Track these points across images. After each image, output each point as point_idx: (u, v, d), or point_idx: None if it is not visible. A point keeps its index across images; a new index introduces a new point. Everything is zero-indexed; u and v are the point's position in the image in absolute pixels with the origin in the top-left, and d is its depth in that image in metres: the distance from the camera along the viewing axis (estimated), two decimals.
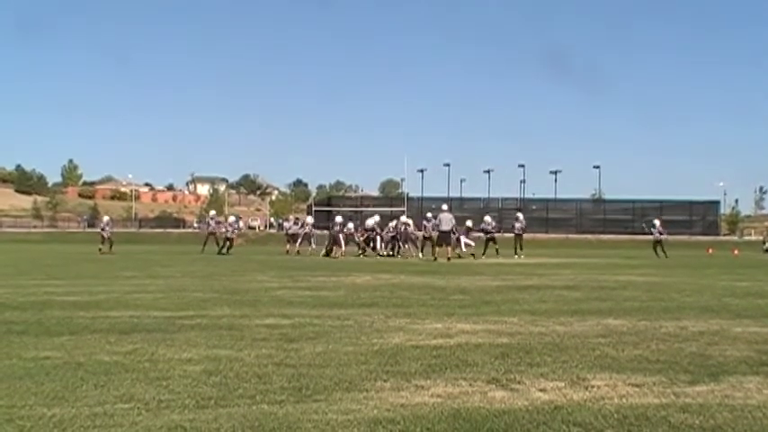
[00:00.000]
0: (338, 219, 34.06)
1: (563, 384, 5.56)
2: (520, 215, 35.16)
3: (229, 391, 5.26)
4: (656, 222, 36.58)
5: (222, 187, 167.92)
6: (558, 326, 8.83)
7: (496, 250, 32.11)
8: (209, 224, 37.33)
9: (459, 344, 7.38)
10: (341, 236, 32.68)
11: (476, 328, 8.55)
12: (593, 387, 5.48)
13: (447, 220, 29.49)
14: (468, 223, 35.34)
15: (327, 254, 31.88)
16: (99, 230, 38.62)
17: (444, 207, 31.58)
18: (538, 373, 5.93)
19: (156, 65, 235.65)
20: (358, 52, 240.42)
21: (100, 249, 34.95)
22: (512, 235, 34.58)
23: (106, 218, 39.93)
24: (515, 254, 32.03)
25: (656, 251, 34.42)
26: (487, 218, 34.17)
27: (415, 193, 79.23)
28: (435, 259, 28.12)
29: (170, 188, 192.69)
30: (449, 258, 28.09)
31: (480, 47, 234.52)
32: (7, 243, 55.14)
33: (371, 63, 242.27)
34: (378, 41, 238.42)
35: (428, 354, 6.77)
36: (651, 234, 36.11)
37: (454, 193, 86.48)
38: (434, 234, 30.65)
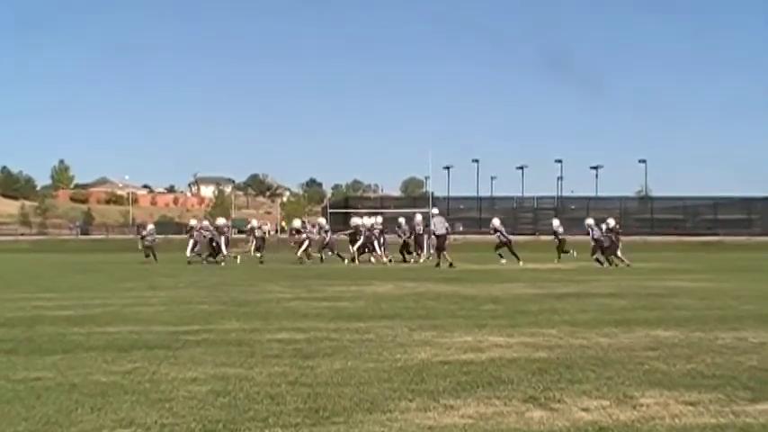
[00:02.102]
0: (418, 218, 34.45)
1: (608, 403, 5.55)
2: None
3: (239, 414, 5.28)
4: (611, 222, 36.27)
5: (228, 188, 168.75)
6: (602, 338, 8.81)
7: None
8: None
9: (492, 359, 7.38)
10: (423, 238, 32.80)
11: (510, 341, 8.54)
12: (641, 406, 5.47)
13: (441, 224, 30.18)
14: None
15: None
16: (139, 238, 38.21)
17: (435, 210, 32.56)
18: (580, 391, 5.92)
19: (153, 58, 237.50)
20: (372, 45, 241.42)
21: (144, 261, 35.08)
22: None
23: (150, 226, 39.90)
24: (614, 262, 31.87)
25: (613, 256, 34.61)
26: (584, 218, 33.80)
27: (440, 193, 79.07)
28: (438, 265, 28.43)
29: (171, 190, 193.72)
30: (451, 264, 28.24)
31: (504, 41, 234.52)
32: None
33: (390, 56, 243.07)
34: (395, 35, 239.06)
35: (457, 370, 6.78)
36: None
37: (484, 192, 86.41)
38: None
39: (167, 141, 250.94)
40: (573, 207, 74.02)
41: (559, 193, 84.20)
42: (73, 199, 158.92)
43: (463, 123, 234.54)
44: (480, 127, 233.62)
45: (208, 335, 9.18)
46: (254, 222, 38.84)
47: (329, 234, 34.00)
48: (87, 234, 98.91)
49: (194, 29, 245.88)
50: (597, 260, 30.52)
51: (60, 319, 10.98)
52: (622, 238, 32.51)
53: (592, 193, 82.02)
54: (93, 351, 8.00)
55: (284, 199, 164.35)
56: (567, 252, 34.18)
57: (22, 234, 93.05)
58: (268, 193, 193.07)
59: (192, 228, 35.62)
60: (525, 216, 74.83)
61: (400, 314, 11.49)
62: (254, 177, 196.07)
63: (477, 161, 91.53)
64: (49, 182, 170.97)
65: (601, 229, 31.48)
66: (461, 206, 75.78)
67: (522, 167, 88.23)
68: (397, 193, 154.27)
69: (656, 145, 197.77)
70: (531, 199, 79.83)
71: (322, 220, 36.25)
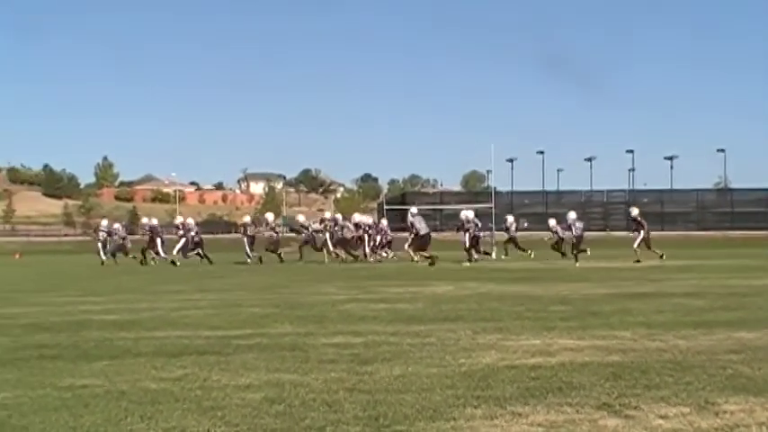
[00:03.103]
0: (510, 218, 37.30)
1: (688, 410, 5.47)
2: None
3: (295, 422, 5.29)
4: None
5: (279, 185, 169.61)
6: (680, 340, 8.70)
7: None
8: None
9: (562, 363, 7.33)
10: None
11: (581, 345, 8.48)
12: (724, 413, 5.39)
13: (424, 223, 32.27)
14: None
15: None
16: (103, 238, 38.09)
17: (414, 210, 33.83)
18: (657, 397, 5.86)
19: (200, 54, 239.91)
20: (428, 36, 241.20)
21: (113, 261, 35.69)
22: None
23: (116, 225, 39.60)
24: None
25: (560, 251, 34.27)
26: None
27: (503, 187, 78.65)
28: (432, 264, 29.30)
29: (219, 187, 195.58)
30: (417, 263, 29.52)
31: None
32: (35, 254, 56.50)
33: (447, 48, 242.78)
34: (454, 29, 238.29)
35: (525, 375, 6.74)
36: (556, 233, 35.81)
37: (550, 186, 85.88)
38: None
39: (215, 137, 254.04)
40: (645, 200, 72.81)
41: (631, 186, 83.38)
42: (118, 197, 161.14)
43: (527, 114, 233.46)
44: (545, 117, 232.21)
45: (260, 339, 9.23)
46: (247, 219, 38.19)
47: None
48: (133, 234, 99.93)
49: (245, 24, 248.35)
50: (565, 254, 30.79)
51: (107, 324, 11.13)
52: (652, 231, 32.43)
53: (666, 186, 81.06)
54: (142, 357, 8.09)
55: (338, 195, 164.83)
56: (506, 250, 35.50)
57: (66, 235, 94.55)
58: (321, 190, 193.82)
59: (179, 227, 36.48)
60: (595, 211, 73.87)
61: (463, 316, 11.46)
62: (305, 173, 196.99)
63: (542, 153, 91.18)
64: (92, 180, 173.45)
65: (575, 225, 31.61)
66: (526, 201, 75.38)
67: (590, 159, 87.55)
68: (457, 187, 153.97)
69: (735, 134, 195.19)
70: (601, 192, 79.03)
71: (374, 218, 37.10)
